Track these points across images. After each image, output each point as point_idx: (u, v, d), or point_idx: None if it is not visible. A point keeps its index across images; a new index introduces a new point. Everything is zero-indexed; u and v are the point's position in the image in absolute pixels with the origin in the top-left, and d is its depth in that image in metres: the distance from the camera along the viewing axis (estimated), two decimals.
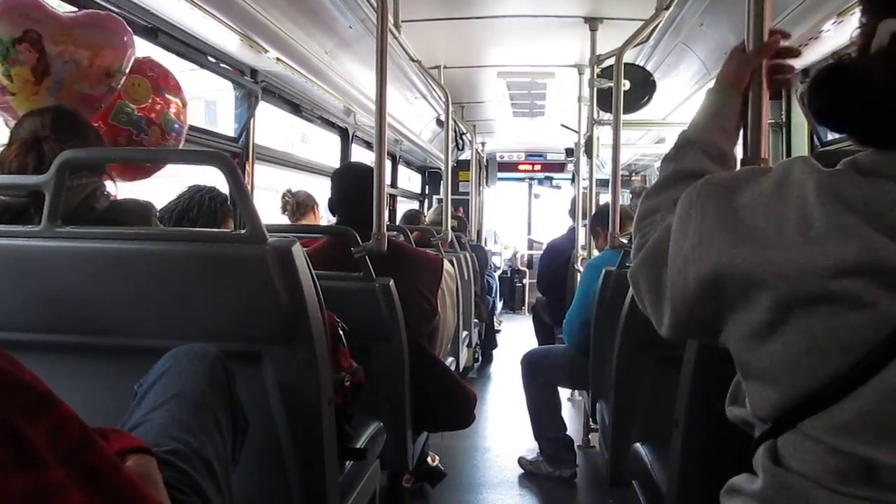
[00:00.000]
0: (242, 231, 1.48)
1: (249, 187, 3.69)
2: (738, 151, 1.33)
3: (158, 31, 2.72)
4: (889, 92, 0.78)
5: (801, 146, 3.68)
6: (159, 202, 2.48)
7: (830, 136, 3.65)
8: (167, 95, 2.22)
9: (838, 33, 2.89)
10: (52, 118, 1.66)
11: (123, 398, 1.30)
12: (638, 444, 2.11)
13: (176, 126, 2.26)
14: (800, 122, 3.67)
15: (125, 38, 2.00)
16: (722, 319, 0.89)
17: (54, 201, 1.47)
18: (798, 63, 3.41)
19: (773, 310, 0.80)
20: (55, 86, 1.84)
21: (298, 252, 1.49)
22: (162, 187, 2.63)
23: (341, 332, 1.87)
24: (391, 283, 2.32)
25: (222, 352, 1.35)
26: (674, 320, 0.96)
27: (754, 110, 1.32)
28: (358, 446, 1.98)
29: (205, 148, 3.16)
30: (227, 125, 3.76)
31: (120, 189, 1.80)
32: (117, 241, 1.52)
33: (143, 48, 2.36)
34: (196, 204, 2.49)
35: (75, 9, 2.09)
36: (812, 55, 3.26)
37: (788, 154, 3.84)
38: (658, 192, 1.17)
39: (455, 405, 2.69)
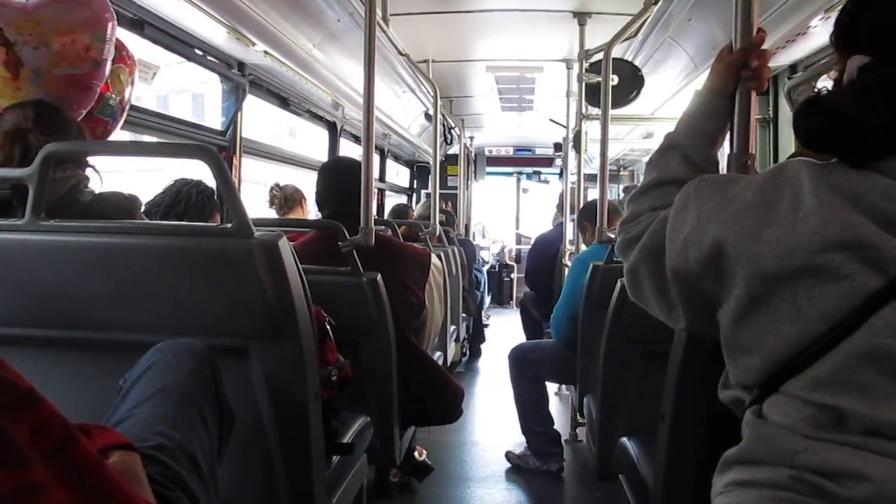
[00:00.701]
0: (229, 225, 1.47)
1: (237, 181, 3.67)
2: (727, 147, 1.34)
3: (144, 23, 2.70)
4: (858, 118, 0.88)
5: (788, 142, 3.69)
6: (145, 196, 2.46)
7: None
8: (133, 77, 2.14)
9: (826, 29, 2.89)
10: (35, 111, 1.65)
11: (108, 393, 1.29)
12: (625, 439, 2.12)
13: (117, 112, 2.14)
14: (787, 117, 3.68)
15: (96, 6, 1.88)
16: (718, 298, 0.98)
17: (38, 194, 1.46)
18: (786, 58, 3.43)
19: (762, 283, 0.89)
20: (34, 75, 1.78)
21: (285, 246, 1.49)
22: (150, 181, 2.61)
23: (328, 326, 1.87)
24: (378, 277, 2.31)
25: (209, 347, 1.34)
26: (684, 305, 1.04)
27: (742, 106, 1.32)
28: (345, 441, 1.97)
29: (191, 141, 3.14)
30: (214, 118, 3.74)
31: (105, 182, 1.79)
32: (102, 234, 1.50)
33: (129, 40, 2.30)
34: (184, 198, 2.47)
35: None
36: (800, 51, 3.27)
37: (776, 149, 3.85)
38: (640, 198, 1.23)
39: (442, 400, 2.69)
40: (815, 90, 1.93)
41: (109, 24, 1.90)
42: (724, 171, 1.34)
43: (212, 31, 3.03)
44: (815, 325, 0.85)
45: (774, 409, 0.90)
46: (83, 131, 1.76)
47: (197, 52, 3.22)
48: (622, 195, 8.77)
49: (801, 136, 0.95)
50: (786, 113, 3.71)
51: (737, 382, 1.00)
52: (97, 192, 1.73)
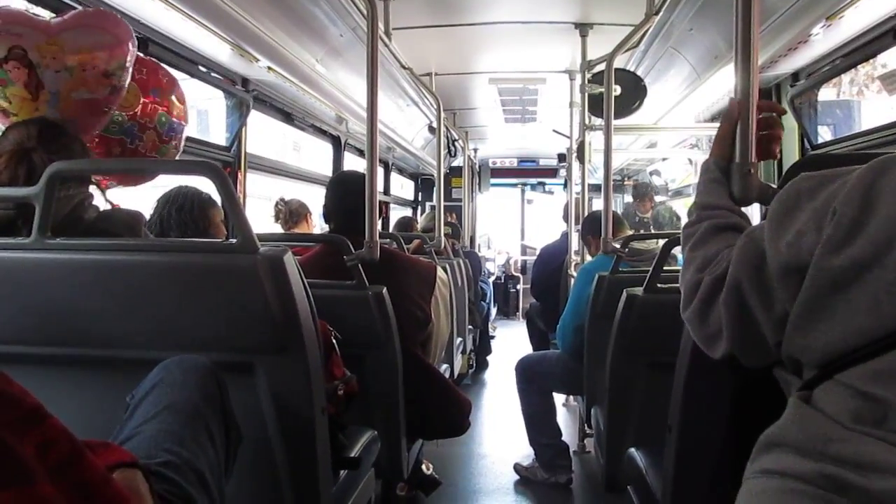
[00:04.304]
0: (234, 241, 1.48)
1: (242, 196, 3.69)
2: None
3: (149, 41, 2.72)
4: None
5: (792, 149, 3.69)
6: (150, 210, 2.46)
7: (821, 139, 3.67)
8: (159, 96, 2.17)
9: (827, 37, 2.90)
10: (38, 129, 1.66)
11: (115, 410, 1.29)
12: (633, 450, 2.11)
13: (175, 125, 2.20)
14: (791, 125, 3.67)
15: (120, 34, 1.91)
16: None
17: (44, 213, 1.47)
18: (789, 66, 3.44)
19: (850, 269, 0.87)
20: (52, 98, 1.80)
21: (290, 261, 1.49)
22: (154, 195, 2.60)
23: (334, 340, 1.87)
24: (384, 290, 2.31)
25: (215, 363, 1.34)
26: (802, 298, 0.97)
27: (743, 115, 1.33)
28: (352, 455, 1.97)
29: (196, 157, 3.16)
30: (218, 134, 3.76)
31: (111, 197, 1.80)
32: (107, 252, 1.51)
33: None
34: (173, 224, 2.43)
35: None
36: (802, 59, 3.28)
37: (780, 157, 3.83)
38: (708, 242, 1.22)
39: (449, 413, 2.69)
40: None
41: (130, 51, 1.92)
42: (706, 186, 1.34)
43: (215, 48, 3.05)
44: (889, 322, 0.83)
45: (823, 396, 0.89)
46: (87, 148, 1.77)
47: (201, 68, 3.24)
48: (627, 205, 8.76)
49: None
50: (789, 121, 3.70)
51: (791, 367, 1.00)
52: (101, 209, 1.74)
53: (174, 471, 1.11)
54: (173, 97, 2.22)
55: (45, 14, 2.08)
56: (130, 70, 1.95)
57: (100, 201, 1.76)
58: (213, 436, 1.25)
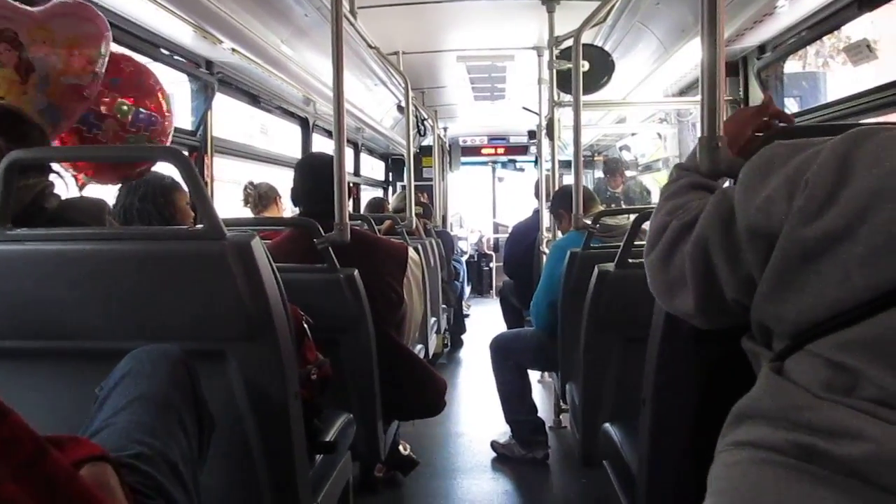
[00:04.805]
0: (200, 226, 1.45)
1: (209, 181, 3.64)
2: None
3: (110, 24, 2.65)
4: None
5: None
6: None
7: (788, 110, 3.69)
8: (118, 86, 2.15)
9: (793, 8, 2.91)
10: None
11: (85, 402, 1.27)
12: (608, 425, 2.13)
13: (143, 116, 2.17)
14: (758, 98, 3.70)
15: (99, 22, 1.96)
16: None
17: (3, 203, 1.44)
18: (755, 39, 3.45)
19: (822, 240, 0.87)
20: (42, 82, 1.80)
21: (258, 247, 1.47)
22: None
23: (306, 325, 1.85)
24: (356, 273, 2.30)
25: (185, 351, 1.32)
26: (760, 266, 0.98)
27: (710, 90, 1.32)
28: (328, 439, 1.96)
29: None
30: (185, 118, 3.70)
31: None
32: (71, 241, 1.48)
33: None
34: (136, 213, 2.37)
35: None
36: (767, 31, 3.29)
37: None
38: (682, 194, 1.25)
39: (425, 393, 2.69)
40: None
41: (107, 40, 1.98)
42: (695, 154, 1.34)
43: (178, 30, 2.99)
44: (860, 294, 0.83)
45: (794, 366, 0.90)
46: (46, 136, 1.73)
47: (163, 51, 3.18)
48: (598, 180, 8.80)
49: None
50: (756, 94, 3.73)
51: (761, 337, 1.00)
52: (63, 198, 1.70)
53: (146, 462, 1.10)
54: (142, 87, 2.21)
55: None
56: (107, 56, 1.98)
57: (61, 190, 1.73)
58: (185, 425, 1.24)
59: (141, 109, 2.16)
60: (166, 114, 2.25)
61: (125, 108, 2.12)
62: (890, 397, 0.80)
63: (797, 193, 0.90)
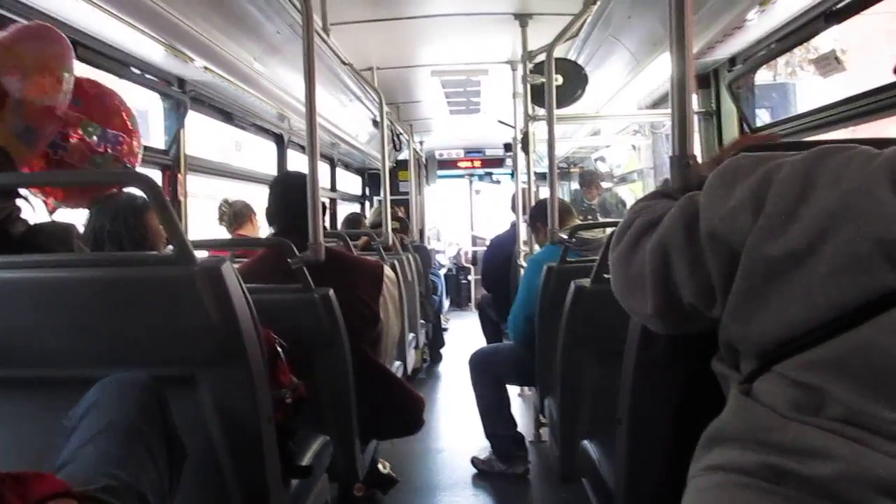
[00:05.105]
0: (170, 251, 1.43)
1: (183, 199, 3.61)
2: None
3: (77, 44, 2.62)
4: None
5: (731, 133, 3.74)
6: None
7: (760, 121, 3.73)
8: (82, 105, 2.14)
9: (762, 21, 2.94)
10: None
11: (52, 433, 1.25)
12: (586, 441, 2.12)
13: (110, 136, 2.17)
14: (730, 109, 3.73)
15: (63, 42, 1.99)
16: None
17: None
18: (725, 52, 3.48)
19: (785, 260, 0.87)
20: (16, 106, 1.81)
21: (229, 271, 1.45)
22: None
23: (279, 348, 1.83)
24: (331, 292, 2.28)
25: (155, 377, 1.31)
26: (719, 271, 0.97)
27: (679, 109, 1.33)
28: (304, 463, 1.94)
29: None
30: (158, 137, 3.67)
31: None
32: (39, 268, 1.46)
33: None
34: (106, 236, 2.32)
35: None
36: (737, 44, 3.32)
37: (720, 142, 3.90)
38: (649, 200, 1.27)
39: (402, 411, 2.67)
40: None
41: (71, 59, 2.00)
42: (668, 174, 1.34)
43: (148, 48, 2.96)
44: (823, 313, 0.83)
45: (762, 387, 0.90)
46: (11, 160, 1.70)
47: (134, 70, 3.15)
48: (574, 191, 8.82)
49: None
50: (728, 105, 3.76)
51: (729, 357, 1.01)
52: (32, 222, 1.68)
53: (114, 495, 1.08)
54: (106, 107, 2.21)
55: None
56: (72, 73, 2.00)
57: (29, 214, 1.70)
58: (154, 454, 1.22)
59: (108, 130, 2.14)
60: (133, 133, 2.22)
61: (90, 128, 2.10)
62: (856, 416, 0.81)
63: (762, 209, 0.90)
